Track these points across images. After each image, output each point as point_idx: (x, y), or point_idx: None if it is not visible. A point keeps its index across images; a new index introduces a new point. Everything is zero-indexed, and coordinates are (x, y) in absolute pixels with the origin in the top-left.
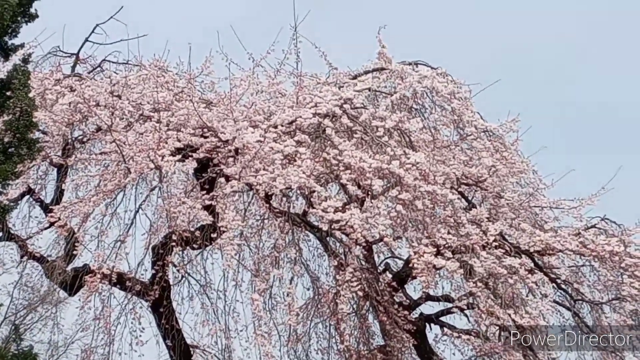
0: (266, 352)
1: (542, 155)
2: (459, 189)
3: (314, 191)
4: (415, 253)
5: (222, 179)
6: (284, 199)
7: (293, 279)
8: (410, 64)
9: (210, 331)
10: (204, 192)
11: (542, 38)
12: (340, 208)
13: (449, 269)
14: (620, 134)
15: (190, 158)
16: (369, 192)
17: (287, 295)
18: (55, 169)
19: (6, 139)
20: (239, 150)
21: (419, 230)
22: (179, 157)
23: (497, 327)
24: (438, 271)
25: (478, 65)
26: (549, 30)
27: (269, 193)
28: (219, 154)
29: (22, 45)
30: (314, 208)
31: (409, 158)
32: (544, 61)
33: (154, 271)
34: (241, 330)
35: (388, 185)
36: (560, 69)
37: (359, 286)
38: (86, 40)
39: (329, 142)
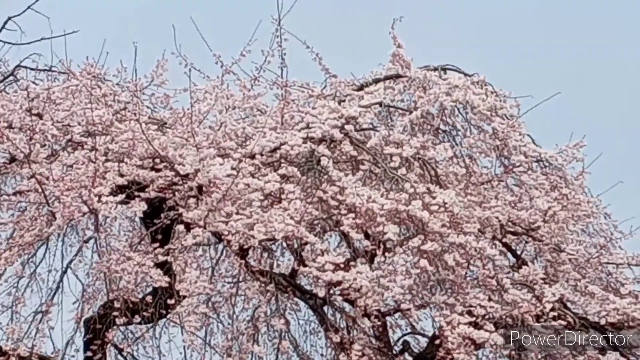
0: None
1: (617, 193)
2: (504, 240)
3: (306, 243)
4: (447, 324)
5: (181, 227)
6: (266, 254)
7: (278, 358)
8: (435, 69)
9: None
10: (157, 244)
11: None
12: (342, 265)
13: (493, 343)
14: None
15: (137, 199)
16: (381, 244)
17: None
18: None
19: None
20: (204, 188)
21: (450, 294)
22: (121, 197)
23: None
24: (477, 350)
25: (528, 75)
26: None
27: (245, 246)
28: (177, 193)
29: None
30: (305, 266)
31: (434, 197)
32: (620, 68)
33: (88, 353)
34: None
35: (407, 234)
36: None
37: None
38: None
39: (325, 177)
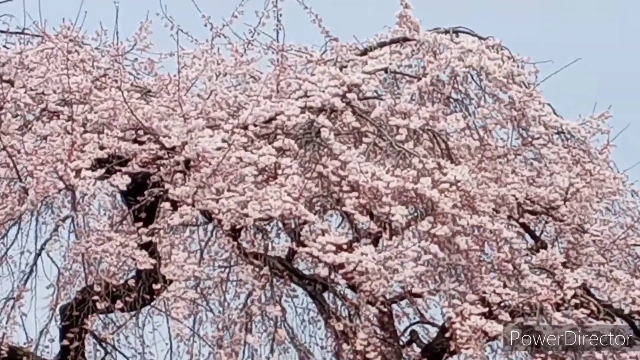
0: None
1: None
2: (522, 219)
3: (304, 222)
4: (457, 314)
5: (167, 205)
6: (260, 235)
7: (273, 350)
8: (447, 32)
9: None
10: (140, 223)
11: None
12: (344, 246)
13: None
14: None
15: (118, 173)
16: (387, 225)
17: None
18: None
19: None
20: (192, 163)
21: (462, 281)
22: (101, 172)
23: None
24: (491, 342)
25: (549, 39)
26: None
27: (237, 226)
28: (162, 167)
29: None
30: (304, 247)
31: (445, 174)
32: None
33: (65, 342)
34: None
35: (415, 214)
36: None
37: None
38: None
39: (325, 150)
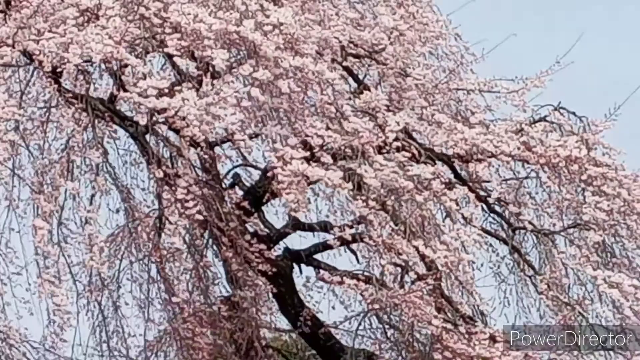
0: (57, 305)
1: (468, 12)
2: (345, 63)
3: (126, 65)
4: (278, 159)
5: None
6: (82, 76)
7: (95, 196)
8: None
9: None
10: None
11: None
12: (166, 90)
13: (329, 181)
14: None
15: None
16: (209, 68)
17: (86, 222)
18: None
19: None
20: (12, 3)
21: (284, 124)
22: None
23: (399, 267)
24: (311, 186)
25: None
26: None
27: (58, 68)
28: None
29: None
30: (126, 91)
31: (268, 16)
32: None
33: None
34: (18, 274)
35: (238, 57)
36: None
37: (196, 208)
38: None
39: None
